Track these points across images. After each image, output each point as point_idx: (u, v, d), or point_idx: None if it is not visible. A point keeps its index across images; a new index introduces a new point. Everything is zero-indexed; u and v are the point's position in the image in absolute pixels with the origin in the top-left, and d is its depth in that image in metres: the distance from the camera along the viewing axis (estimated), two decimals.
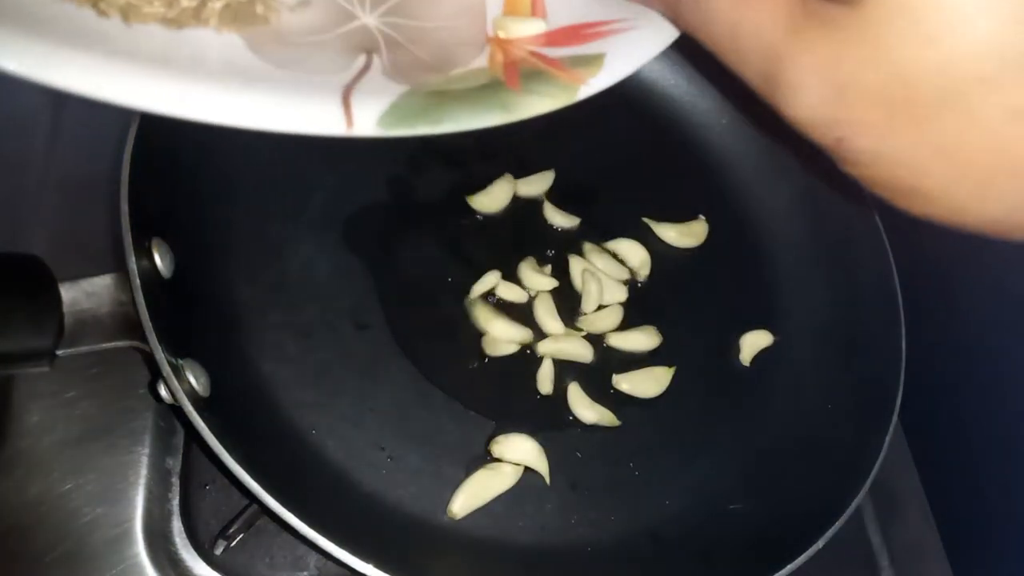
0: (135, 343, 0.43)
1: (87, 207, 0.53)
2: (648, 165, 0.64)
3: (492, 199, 0.59)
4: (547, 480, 0.50)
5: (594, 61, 0.34)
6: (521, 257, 0.57)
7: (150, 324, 0.40)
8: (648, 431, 0.54)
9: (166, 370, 0.40)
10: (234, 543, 0.47)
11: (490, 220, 0.59)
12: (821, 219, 0.62)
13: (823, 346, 0.58)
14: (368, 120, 0.29)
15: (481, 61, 0.35)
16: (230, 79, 0.30)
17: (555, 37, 0.36)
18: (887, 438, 0.50)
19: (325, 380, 0.50)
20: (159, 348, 0.40)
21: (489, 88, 0.32)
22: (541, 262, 0.57)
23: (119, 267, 0.42)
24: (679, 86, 0.66)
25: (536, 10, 0.38)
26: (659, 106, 0.66)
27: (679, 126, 0.67)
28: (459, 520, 0.47)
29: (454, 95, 0.32)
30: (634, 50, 0.34)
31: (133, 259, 0.41)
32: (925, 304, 0.56)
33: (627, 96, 0.65)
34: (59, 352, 0.42)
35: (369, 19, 0.36)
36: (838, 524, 0.46)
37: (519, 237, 0.58)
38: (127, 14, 0.31)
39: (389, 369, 0.52)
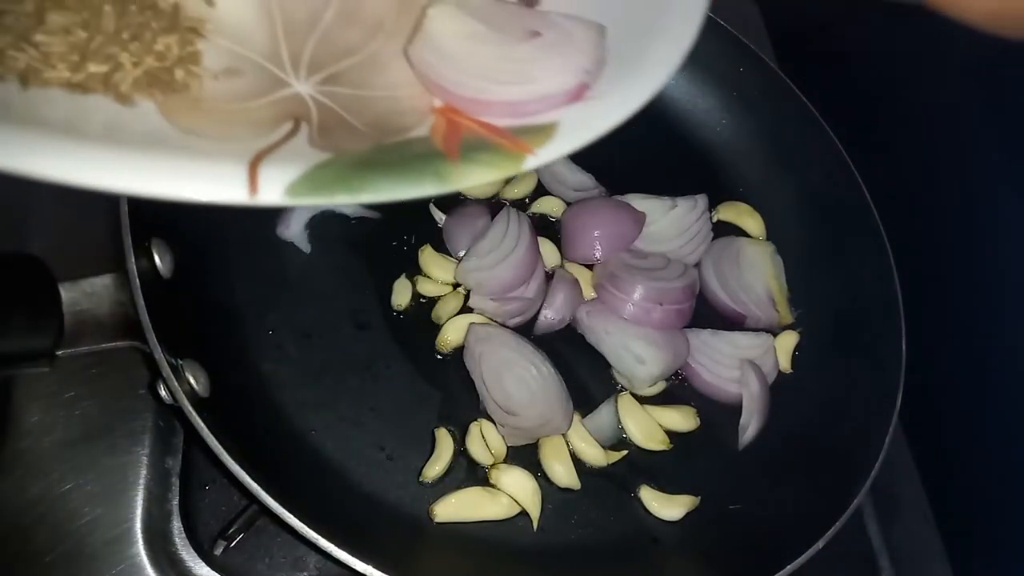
0: (135, 343, 0.43)
1: (87, 207, 0.53)
2: (648, 165, 0.63)
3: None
4: (534, 527, 0.48)
5: (543, 131, 0.31)
6: None
7: (150, 324, 0.41)
8: None
9: (166, 370, 0.40)
10: (234, 543, 0.47)
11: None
12: (821, 220, 0.62)
13: (823, 347, 0.58)
14: (276, 188, 0.27)
15: (421, 131, 0.32)
16: (125, 141, 0.27)
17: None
18: (887, 438, 0.50)
19: (325, 380, 0.50)
20: (159, 348, 0.40)
21: (423, 157, 0.29)
22: None
23: (119, 267, 0.42)
24: (679, 87, 0.66)
25: None
26: (659, 106, 0.66)
27: (679, 126, 0.67)
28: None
29: (381, 163, 0.29)
30: (591, 120, 0.31)
31: (133, 259, 0.41)
32: (925, 304, 0.56)
33: None
34: (59, 352, 0.42)
35: (303, 87, 0.33)
36: (838, 524, 0.46)
37: None
38: (26, 78, 0.28)
39: (389, 369, 0.52)
